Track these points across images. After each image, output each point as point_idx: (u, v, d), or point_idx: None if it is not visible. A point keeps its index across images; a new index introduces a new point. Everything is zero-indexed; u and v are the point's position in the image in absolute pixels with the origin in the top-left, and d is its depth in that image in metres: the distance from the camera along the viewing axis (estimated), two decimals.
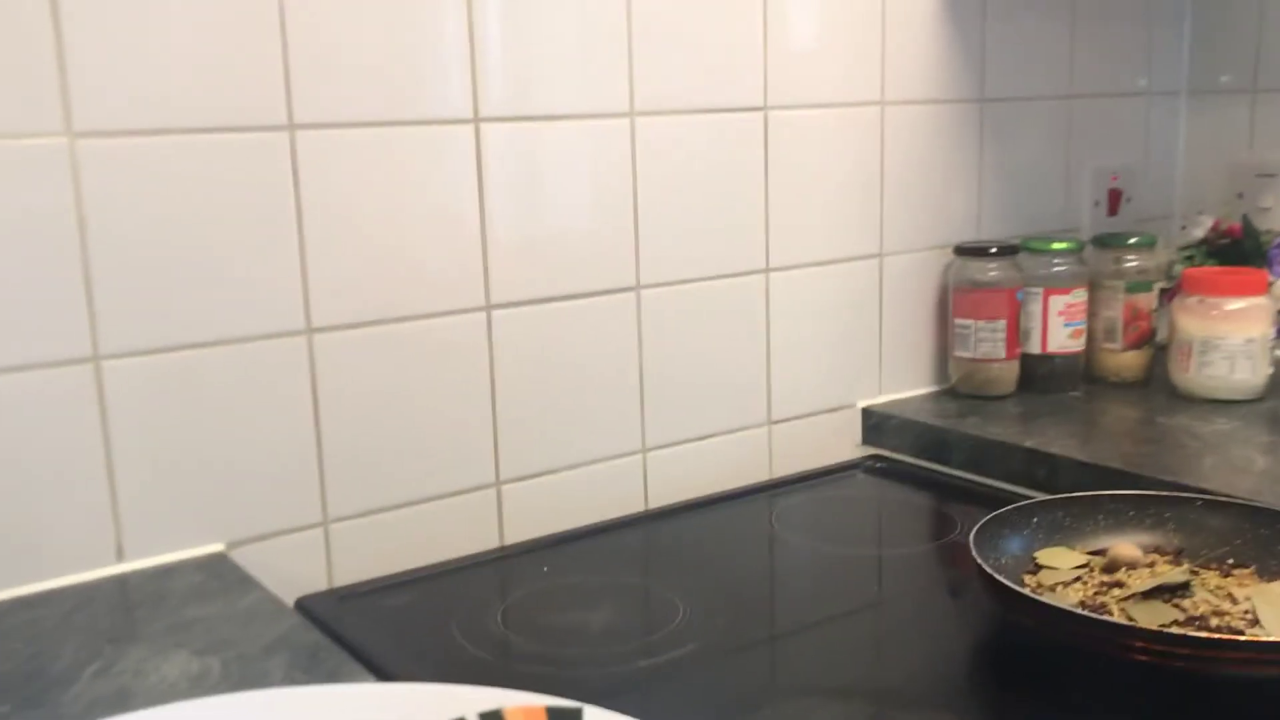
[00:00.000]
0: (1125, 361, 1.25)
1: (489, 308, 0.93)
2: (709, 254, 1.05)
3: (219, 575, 0.79)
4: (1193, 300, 1.16)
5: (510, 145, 0.92)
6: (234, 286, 0.82)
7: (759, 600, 0.86)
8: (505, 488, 0.96)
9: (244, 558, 0.84)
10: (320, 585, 0.87)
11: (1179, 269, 1.26)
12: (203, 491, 0.83)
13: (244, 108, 0.81)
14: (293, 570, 0.86)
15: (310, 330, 0.85)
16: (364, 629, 0.78)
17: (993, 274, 1.19)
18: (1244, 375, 1.14)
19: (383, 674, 0.71)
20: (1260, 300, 1.15)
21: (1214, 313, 1.15)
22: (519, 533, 0.97)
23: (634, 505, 1.03)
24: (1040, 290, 1.22)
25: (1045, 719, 0.68)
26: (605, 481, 1.01)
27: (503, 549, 0.95)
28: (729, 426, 1.09)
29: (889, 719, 0.68)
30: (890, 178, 1.17)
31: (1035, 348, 1.22)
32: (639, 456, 1.04)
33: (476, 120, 0.90)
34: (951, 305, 1.22)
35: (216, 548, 0.84)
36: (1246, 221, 1.30)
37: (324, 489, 0.88)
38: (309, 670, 0.65)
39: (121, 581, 0.78)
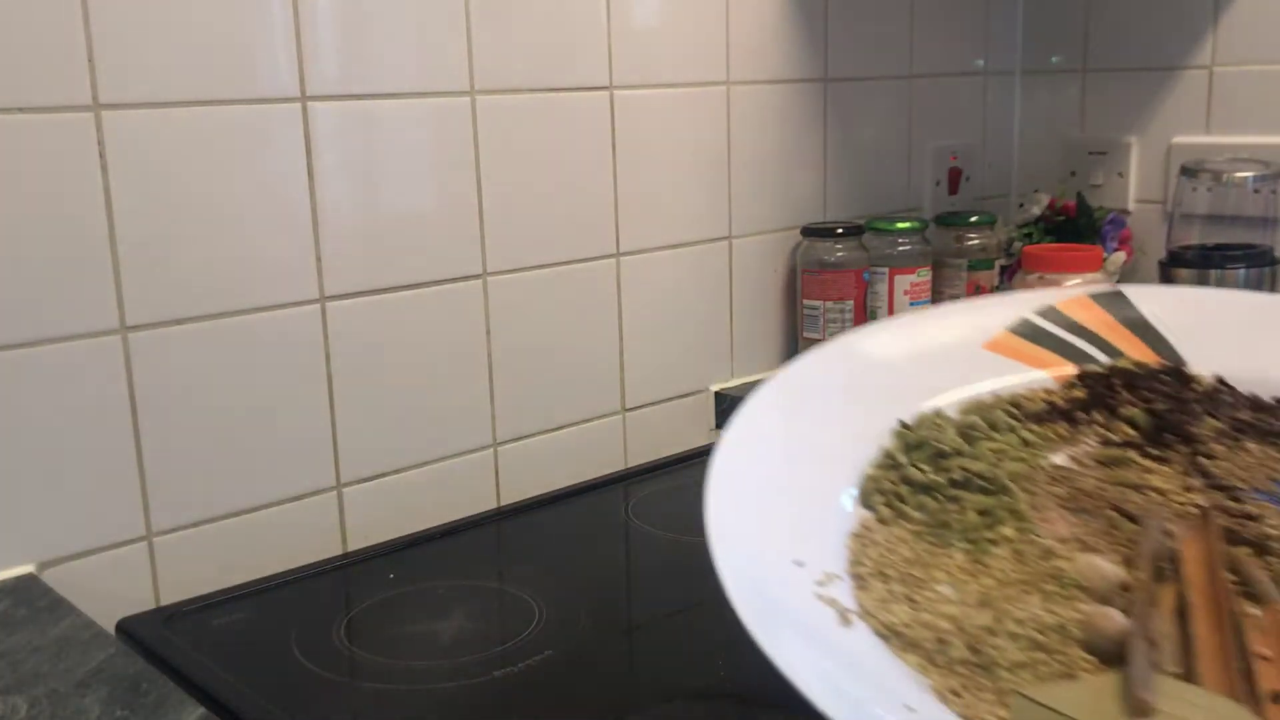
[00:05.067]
0: None
1: (323, 299, 0.88)
2: (558, 239, 1.01)
3: (27, 600, 0.72)
4: (1033, 277, 1.18)
5: (343, 125, 0.87)
6: (37, 282, 0.74)
7: (617, 598, 0.83)
8: (346, 490, 0.91)
9: (57, 579, 0.77)
10: (145, 605, 0.81)
11: (1018, 246, 1.28)
12: (7, 508, 0.75)
13: (41, 85, 0.73)
14: (114, 590, 0.80)
15: (125, 328, 0.78)
16: (193, 652, 0.72)
17: (839, 255, 1.19)
18: None
19: (214, 701, 0.65)
20: (1096, 276, 1.18)
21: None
22: (362, 538, 0.92)
23: (485, 503, 0.99)
24: (886, 270, 1.22)
25: None
26: (454, 479, 0.97)
27: (345, 556, 0.89)
28: (582, 416, 1.06)
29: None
30: (737, 159, 1.15)
31: None
32: (489, 451, 1.00)
33: (304, 99, 0.85)
34: (800, 286, 1.21)
35: (25, 569, 0.76)
36: (1080, 199, 1.33)
37: (146, 499, 0.81)
38: (130, 705, 0.59)
39: None
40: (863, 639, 0.49)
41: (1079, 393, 0.72)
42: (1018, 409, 0.69)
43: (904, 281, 1.22)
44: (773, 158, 1.19)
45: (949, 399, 0.68)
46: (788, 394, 0.63)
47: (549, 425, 1.04)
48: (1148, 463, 0.66)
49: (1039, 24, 1.44)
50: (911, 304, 1.22)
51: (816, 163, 1.24)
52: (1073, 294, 0.78)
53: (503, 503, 1.00)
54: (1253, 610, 0.51)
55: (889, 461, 0.62)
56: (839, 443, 0.62)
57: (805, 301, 1.20)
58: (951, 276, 1.27)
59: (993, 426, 0.67)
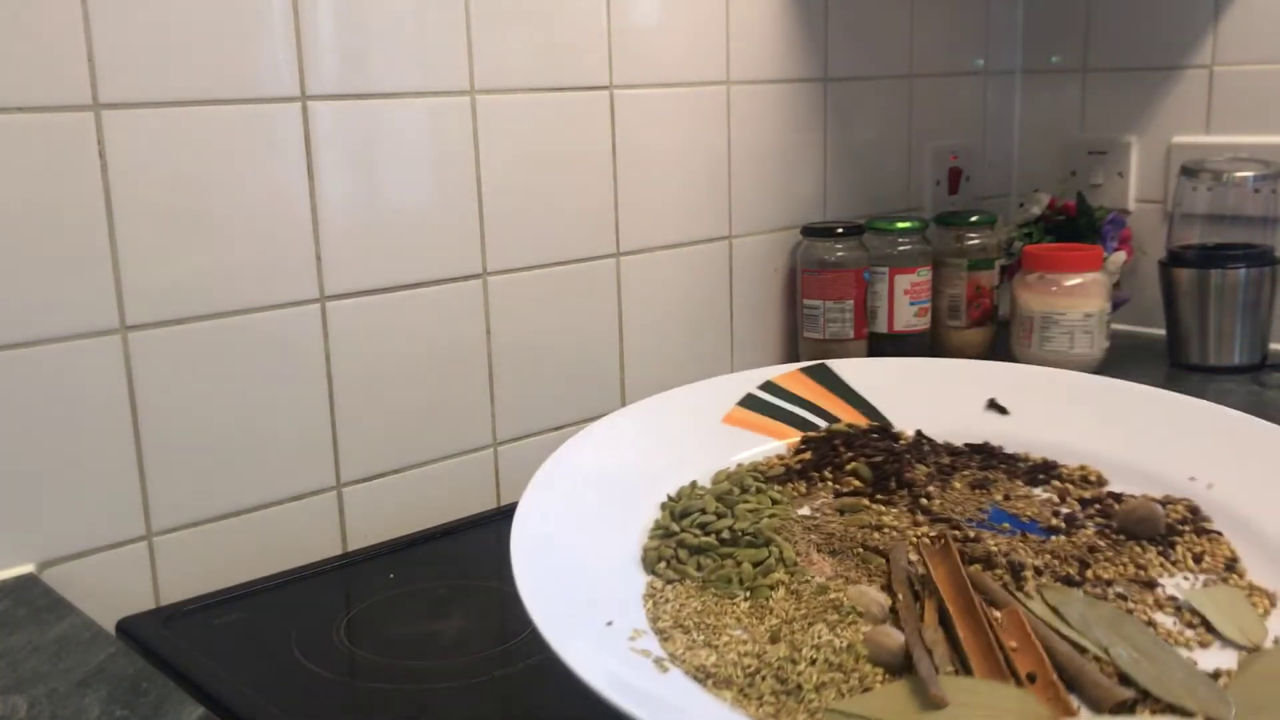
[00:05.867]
0: (969, 338, 1.27)
1: (323, 299, 0.88)
2: (558, 238, 1.01)
3: (27, 600, 0.72)
4: (1033, 277, 1.18)
5: (342, 125, 0.87)
6: (38, 282, 0.74)
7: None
8: (346, 490, 0.91)
9: (58, 579, 0.77)
10: (145, 605, 0.81)
11: (1018, 246, 1.28)
12: (7, 508, 0.75)
13: (41, 85, 0.73)
14: (114, 590, 0.80)
15: (125, 328, 0.78)
16: (193, 651, 0.72)
17: (839, 254, 1.19)
18: (1083, 349, 1.17)
19: (214, 701, 0.65)
20: (1097, 275, 1.18)
21: (1053, 289, 1.17)
22: (363, 538, 0.92)
23: (485, 503, 0.99)
24: (886, 270, 1.22)
25: None
26: (454, 479, 0.97)
27: (345, 556, 0.89)
28: (583, 415, 1.06)
29: None
30: (738, 158, 1.15)
31: (882, 327, 1.23)
32: (490, 451, 1.00)
33: (304, 98, 0.85)
34: (800, 286, 1.21)
35: (25, 569, 0.76)
36: (1081, 198, 1.33)
37: (146, 499, 0.81)
38: (130, 705, 0.59)
39: None
40: (680, 683, 0.56)
41: (806, 455, 0.83)
42: (761, 473, 0.80)
43: (904, 281, 1.22)
44: (773, 158, 1.19)
45: (701, 470, 0.79)
46: (563, 479, 0.72)
47: (549, 425, 1.04)
48: (878, 507, 0.76)
49: (1039, 24, 1.44)
50: (911, 303, 1.22)
51: (816, 162, 1.24)
52: (785, 370, 0.92)
53: (503, 503, 1.00)
54: (995, 613, 0.61)
55: (662, 531, 0.71)
56: (616, 519, 0.71)
57: (805, 301, 1.20)
58: (952, 276, 1.27)
59: (744, 490, 0.76)
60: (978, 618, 0.59)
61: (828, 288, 1.19)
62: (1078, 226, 1.31)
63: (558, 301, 1.02)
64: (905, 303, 1.22)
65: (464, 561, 0.88)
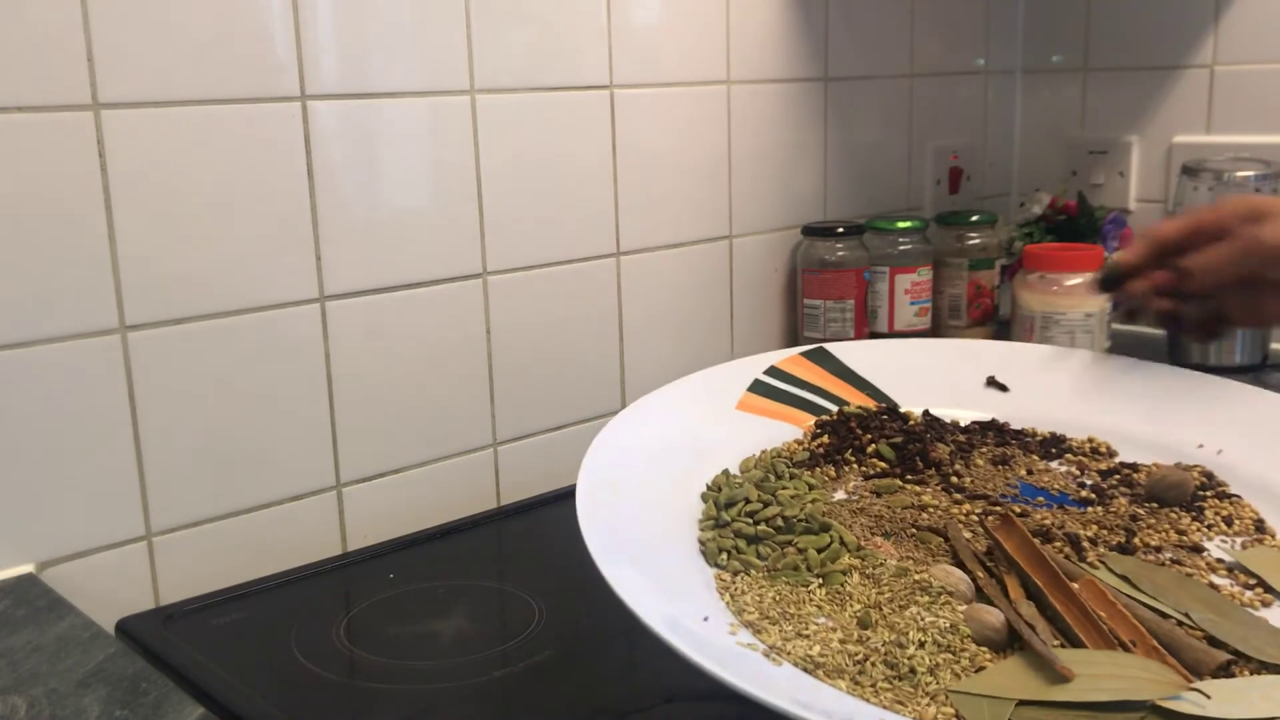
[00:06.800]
0: (970, 338, 1.27)
1: (323, 299, 0.88)
2: (558, 238, 1.01)
3: (27, 600, 0.72)
4: (1034, 276, 1.18)
5: (342, 124, 0.87)
6: (37, 282, 0.74)
7: (617, 598, 0.83)
8: (346, 490, 0.91)
9: (57, 579, 0.77)
10: (145, 605, 0.81)
11: (1019, 245, 1.28)
12: (7, 508, 0.75)
13: (41, 84, 0.73)
14: (113, 590, 0.80)
15: (124, 328, 0.78)
16: (193, 651, 0.72)
17: (840, 254, 1.19)
18: (1084, 349, 1.17)
19: (213, 700, 0.65)
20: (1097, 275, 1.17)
21: (1054, 288, 1.17)
22: (362, 538, 0.92)
23: (485, 503, 0.99)
24: (886, 269, 1.22)
25: None
26: (454, 479, 0.97)
27: (345, 556, 0.89)
28: (582, 415, 1.06)
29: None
30: (738, 158, 1.15)
31: (883, 327, 1.23)
32: (490, 451, 1.00)
33: (304, 98, 0.85)
34: (800, 286, 1.21)
35: (25, 569, 0.76)
36: (1082, 198, 1.33)
37: (146, 500, 0.81)
38: (129, 705, 0.59)
39: None
40: (795, 674, 0.54)
41: (825, 439, 0.82)
42: (788, 459, 0.79)
43: (905, 281, 1.22)
44: (773, 157, 1.19)
45: (726, 459, 0.77)
46: (604, 478, 0.69)
47: (549, 425, 1.04)
48: (911, 487, 0.75)
49: (1039, 23, 1.43)
50: (912, 303, 1.22)
51: (817, 162, 1.24)
52: (786, 355, 0.91)
53: (503, 503, 1.00)
54: (1072, 584, 0.59)
55: (712, 521, 0.69)
56: (664, 513, 0.69)
57: (806, 301, 1.20)
58: (952, 276, 1.27)
59: (778, 476, 0.75)
60: (1067, 590, 0.58)
61: (828, 287, 1.19)
62: (1078, 226, 1.31)
63: (558, 301, 1.02)
64: (906, 302, 1.22)
65: (464, 561, 0.88)
